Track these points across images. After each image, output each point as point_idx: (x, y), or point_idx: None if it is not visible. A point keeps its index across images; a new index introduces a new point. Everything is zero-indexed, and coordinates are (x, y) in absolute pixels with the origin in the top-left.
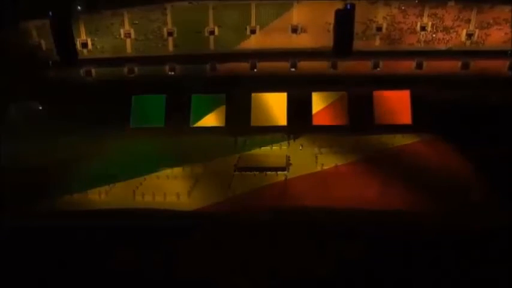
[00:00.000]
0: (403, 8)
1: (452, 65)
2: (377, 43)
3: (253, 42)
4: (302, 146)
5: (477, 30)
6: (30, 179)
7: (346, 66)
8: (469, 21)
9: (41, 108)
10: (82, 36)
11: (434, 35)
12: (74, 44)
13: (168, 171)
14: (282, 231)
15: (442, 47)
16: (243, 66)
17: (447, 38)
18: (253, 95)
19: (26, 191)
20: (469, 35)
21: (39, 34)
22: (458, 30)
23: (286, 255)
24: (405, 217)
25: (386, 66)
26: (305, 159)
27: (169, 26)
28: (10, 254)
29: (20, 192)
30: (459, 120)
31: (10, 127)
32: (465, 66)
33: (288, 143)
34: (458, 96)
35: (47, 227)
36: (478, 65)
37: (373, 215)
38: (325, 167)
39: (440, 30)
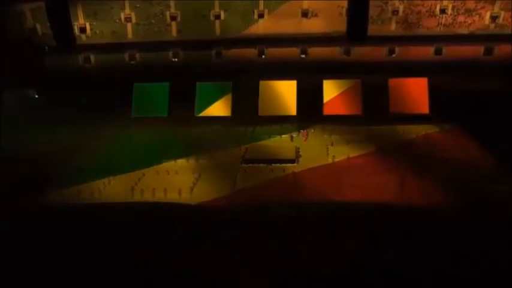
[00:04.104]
0: None
1: (475, 51)
2: (393, 27)
3: (261, 27)
4: (313, 135)
5: (502, 12)
6: (22, 172)
7: (360, 52)
8: (493, 2)
9: (37, 96)
10: (80, 21)
11: (455, 18)
12: (72, 29)
13: (170, 164)
14: (291, 227)
15: (464, 31)
16: (251, 52)
17: (469, 21)
18: (261, 82)
19: (18, 185)
20: (494, 18)
21: (34, 17)
22: (481, 13)
23: (295, 252)
24: (423, 211)
25: (402, 52)
26: (316, 151)
27: (173, 9)
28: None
29: (12, 186)
30: (480, 110)
31: (4, 117)
32: (488, 51)
33: (298, 133)
34: (480, 84)
35: (38, 223)
36: (503, 50)
37: (389, 210)
38: (336, 159)
39: (462, 13)
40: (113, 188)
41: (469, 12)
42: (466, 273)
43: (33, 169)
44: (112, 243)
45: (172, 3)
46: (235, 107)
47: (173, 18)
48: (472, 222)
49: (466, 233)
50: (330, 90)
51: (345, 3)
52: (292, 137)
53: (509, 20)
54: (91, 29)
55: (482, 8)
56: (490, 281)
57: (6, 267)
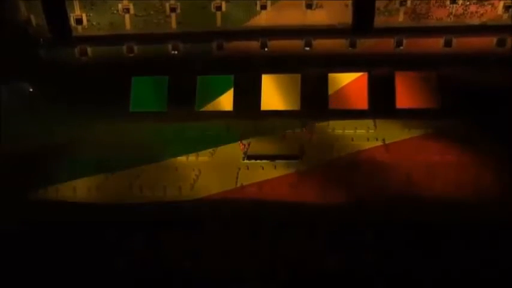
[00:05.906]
0: None
1: (487, 42)
2: (400, 18)
3: (263, 19)
4: (317, 130)
5: None
6: (18, 167)
7: (366, 44)
8: None
9: (31, 90)
10: (76, 12)
11: (466, 8)
12: (68, 20)
13: (170, 160)
14: (293, 225)
15: (475, 21)
16: (253, 45)
17: (481, 11)
18: (263, 76)
19: (13, 181)
20: (507, 8)
21: (28, 9)
22: (494, 2)
23: (295, 252)
24: (429, 208)
25: (410, 44)
26: (320, 147)
27: (172, 0)
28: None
29: (7, 182)
30: (491, 104)
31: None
32: (501, 43)
33: (302, 129)
34: (492, 77)
35: (33, 222)
36: None
37: (395, 207)
38: (342, 155)
39: (474, 3)
40: (110, 185)
41: (481, 1)
42: (466, 273)
43: (30, 165)
44: (112, 243)
45: None
46: (237, 101)
47: (173, 9)
48: (473, 222)
49: (467, 232)
50: (335, 83)
51: None
52: (296, 133)
53: None
54: (88, 21)
55: None
56: (490, 281)
57: (5, 266)
